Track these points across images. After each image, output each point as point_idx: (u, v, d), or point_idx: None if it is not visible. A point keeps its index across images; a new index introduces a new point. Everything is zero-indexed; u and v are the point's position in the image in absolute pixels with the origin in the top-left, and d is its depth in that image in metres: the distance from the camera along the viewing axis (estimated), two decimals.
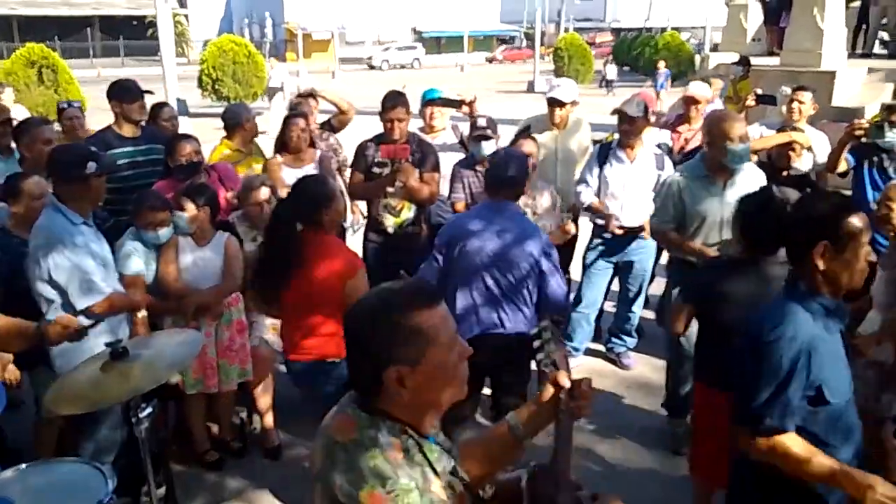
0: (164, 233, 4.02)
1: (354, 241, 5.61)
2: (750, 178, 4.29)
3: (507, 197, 3.77)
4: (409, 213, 5.06)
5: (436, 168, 5.04)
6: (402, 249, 4.99)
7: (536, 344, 1.98)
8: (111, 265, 3.66)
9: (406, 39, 61.00)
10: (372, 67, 50.42)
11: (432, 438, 1.67)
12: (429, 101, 5.59)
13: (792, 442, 2.33)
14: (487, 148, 4.95)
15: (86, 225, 3.49)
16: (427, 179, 4.97)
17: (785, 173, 5.01)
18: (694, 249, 4.28)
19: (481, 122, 5.09)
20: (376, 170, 5.02)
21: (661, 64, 24.43)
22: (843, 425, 2.41)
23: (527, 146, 4.74)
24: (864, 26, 12.83)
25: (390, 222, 5.06)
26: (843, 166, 5.13)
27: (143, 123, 4.97)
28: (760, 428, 2.35)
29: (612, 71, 30.09)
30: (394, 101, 4.92)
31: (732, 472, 2.68)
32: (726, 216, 3.92)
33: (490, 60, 54.49)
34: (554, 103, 5.49)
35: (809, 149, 5.38)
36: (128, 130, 4.78)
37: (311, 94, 6.40)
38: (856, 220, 2.28)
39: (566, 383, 1.78)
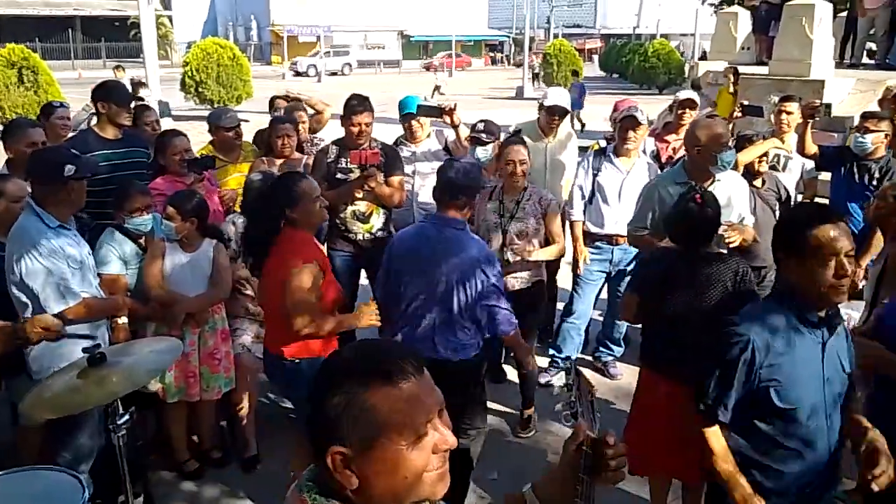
0: (148, 219, 3.97)
1: None
2: (731, 185, 4.32)
3: (455, 209, 3.57)
4: (377, 218, 4.97)
5: (401, 172, 4.98)
6: (372, 257, 4.87)
7: (556, 391, 1.82)
8: (91, 269, 3.59)
9: (393, 43, 61.07)
10: (298, 74, 45.34)
11: None
12: (409, 113, 5.43)
13: (713, 435, 2.49)
14: (483, 153, 4.94)
15: (63, 228, 3.42)
16: (393, 183, 4.89)
17: (759, 182, 5.02)
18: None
19: (479, 126, 5.05)
20: (340, 176, 4.88)
21: (575, 76, 21.31)
22: (803, 433, 2.43)
23: (516, 153, 4.63)
24: (851, 37, 12.93)
25: (360, 230, 4.96)
26: (812, 148, 5.42)
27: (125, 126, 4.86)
28: (699, 413, 2.52)
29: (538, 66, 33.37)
30: (360, 106, 4.81)
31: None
32: None
33: (427, 68, 50.55)
34: (557, 111, 5.43)
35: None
36: (109, 133, 4.67)
37: (287, 97, 6.50)
38: (820, 233, 2.27)
39: (592, 435, 1.51)
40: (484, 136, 4.98)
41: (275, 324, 3.59)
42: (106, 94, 4.66)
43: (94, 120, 5.02)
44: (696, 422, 2.55)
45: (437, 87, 28.65)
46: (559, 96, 5.56)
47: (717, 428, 2.51)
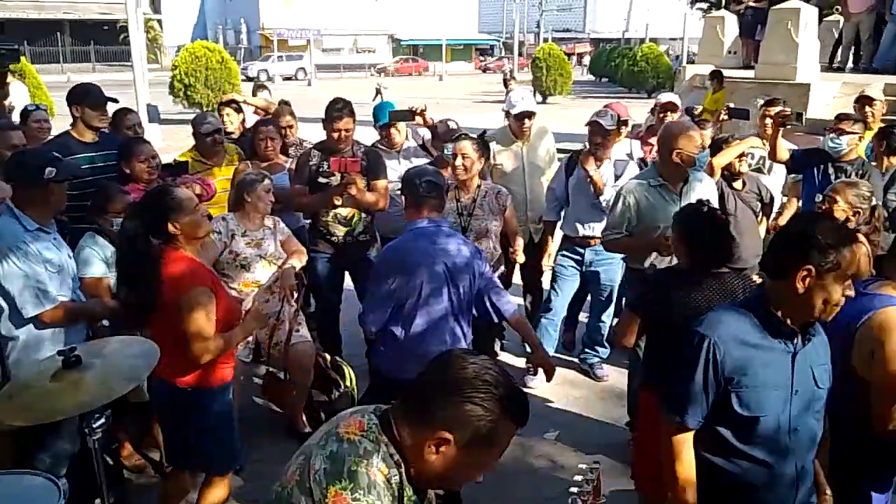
0: None
1: None
2: (705, 186, 4.37)
3: (432, 210, 3.56)
4: (360, 222, 4.97)
5: (384, 176, 4.97)
6: (353, 258, 4.95)
7: (575, 490, 1.99)
8: (70, 273, 3.55)
9: (384, 47, 61.07)
10: (249, 79, 39.16)
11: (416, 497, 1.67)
12: (384, 124, 5.51)
13: (680, 443, 2.41)
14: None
15: (42, 231, 3.39)
16: (377, 188, 4.88)
17: (740, 183, 5.03)
18: (651, 243, 4.28)
19: (452, 124, 5.07)
20: (322, 180, 4.86)
21: (513, 83, 19.26)
22: (766, 445, 2.35)
23: (459, 148, 4.65)
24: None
25: (341, 232, 4.95)
26: (784, 154, 5.40)
27: (103, 130, 4.82)
28: (664, 416, 2.44)
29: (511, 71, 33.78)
30: (340, 111, 4.79)
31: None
32: None
33: (381, 71, 50.29)
34: (525, 116, 5.46)
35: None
36: (87, 136, 4.63)
37: (233, 101, 6.56)
38: (850, 252, 2.19)
39: None
40: (464, 132, 5.05)
41: (168, 351, 2.97)
42: (80, 97, 4.62)
43: None
44: (662, 430, 2.47)
45: (378, 91, 28.69)
46: (524, 102, 5.57)
47: (686, 436, 2.41)
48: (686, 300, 3.19)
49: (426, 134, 5.55)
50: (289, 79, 44.86)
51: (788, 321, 2.30)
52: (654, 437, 3.33)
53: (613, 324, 5.57)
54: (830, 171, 5.11)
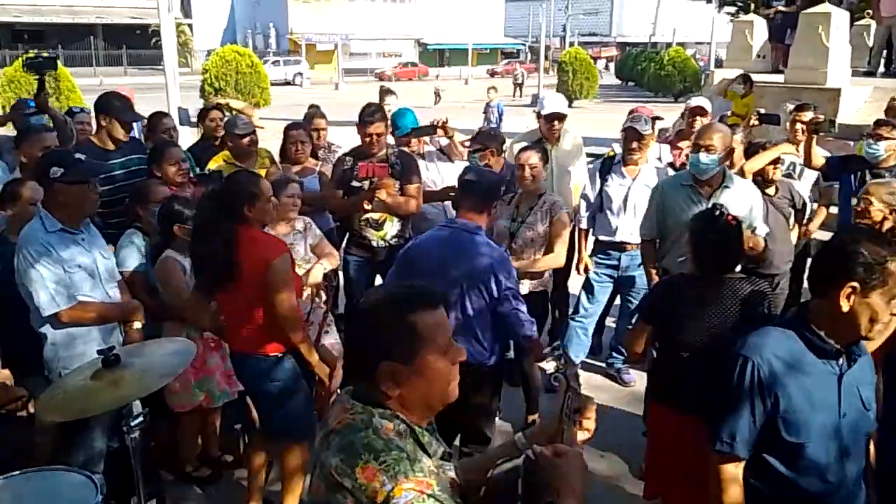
0: None
1: None
2: (737, 191, 4.32)
3: (472, 212, 3.59)
4: (392, 226, 4.98)
5: (418, 179, 5.00)
6: (386, 263, 4.89)
7: (550, 367, 1.94)
8: (105, 274, 3.61)
9: (410, 52, 61.21)
10: None
11: (425, 430, 1.71)
12: (403, 135, 5.60)
13: (728, 472, 2.30)
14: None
15: (66, 232, 3.42)
16: (409, 191, 4.91)
17: (773, 189, 5.00)
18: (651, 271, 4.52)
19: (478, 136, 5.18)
20: (355, 184, 4.91)
21: (492, 93, 18.47)
22: (815, 472, 2.25)
23: (525, 158, 4.65)
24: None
25: (373, 237, 4.99)
26: (819, 161, 5.34)
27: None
28: (713, 449, 2.33)
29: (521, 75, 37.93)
30: (372, 115, 4.82)
31: None
32: None
33: (381, 77, 49.04)
34: (555, 118, 5.46)
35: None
36: (109, 145, 4.69)
37: (218, 106, 6.62)
38: (894, 267, 2.10)
39: (576, 387, 1.81)
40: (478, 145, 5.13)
41: (248, 321, 3.41)
42: (108, 108, 4.66)
43: None
44: (709, 459, 2.35)
45: (437, 94, 29.74)
46: (554, 103, 5.58)
47: (735, 465, 2.30)
48: (695, 305, 3.18)
49: (442, 140, 5.67)
50: (287, 83, 43.51)
51: (833, 341, 2.21)
52: (662, 451, 3.38)
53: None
54: (868, 177, 5.03)
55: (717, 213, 3.26)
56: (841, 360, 2.23)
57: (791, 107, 6.16)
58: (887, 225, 3.88)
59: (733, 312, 3.11)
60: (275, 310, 3.30)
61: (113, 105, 4.66)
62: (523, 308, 3.58)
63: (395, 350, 1.62)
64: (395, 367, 1.62)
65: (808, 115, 5.79)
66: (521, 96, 36.14)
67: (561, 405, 1.76)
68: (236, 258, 3.28)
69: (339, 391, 4.68)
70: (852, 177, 5.17)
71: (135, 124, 5.36)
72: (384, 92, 7.45)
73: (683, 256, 4.09)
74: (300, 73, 46.95)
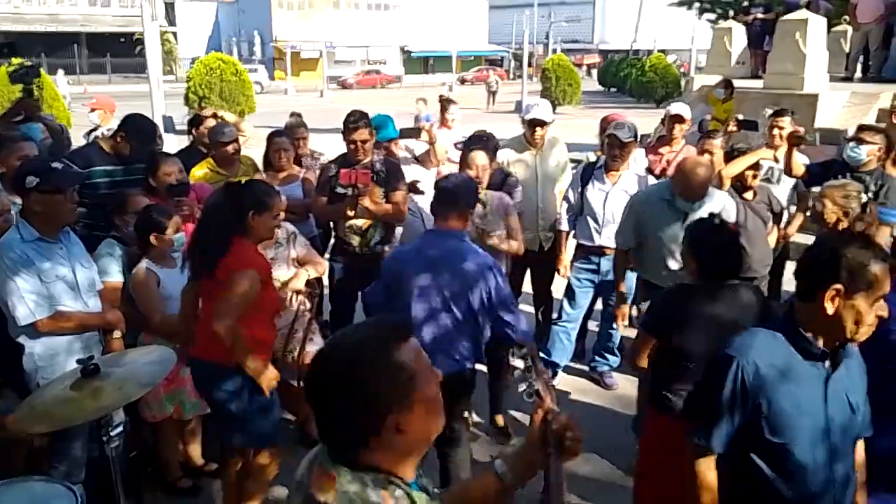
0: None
1: None
2: (715, 202, 4.37)
3: (456, 219, 3.57)
4: (376, 232, 4.99)
5: (403, 186, 5.01)
6: (370, 270, 4.92)
7: (517, 374, 1.86)
8: (84, 283, 3.57)
9: (395, 59, 61.29)
10: None
11: (415, 484, 1.55)
12: (390, 139, 5.67)
13: (703, 466, 2.33)
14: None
15: (43, 241, 3.38)
16: (395, 199, 4.91)
17: (751, 194, 5.04)
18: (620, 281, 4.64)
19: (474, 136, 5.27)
20: (339, 190, 4.89)
21: (421, 105, 18.59)
22: (800, 475, 2.25)
23: (479, 157, 4.63)
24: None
25: (356, 242, 4.99)
26: (800, 169, 5.38)
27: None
28: (692, 442, 2.36)
29: (495, 83, 36.02)
30: (356, 122, 4.81)
31: None
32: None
33: (343, 85, 50.10)
34: (537, 123, 5.50)
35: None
36: (113, 150, 4.71)
37: (214, 115, 6.59)
38: (881, 271, 2.11)
39: (554, 409, 1.70)
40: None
41: (209, 328, 3.33)
42: (131, 130, 4.69)
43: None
44: (686, 453, 2.37)
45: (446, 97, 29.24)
46: (538, 109, 5.60)
47: (709, 459, 2.33)
48: (702, 314, 3.15)
49: (416, 148, 5.84)
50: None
51: (819, 343, 2.22)
52: (656, 456, 3.31)
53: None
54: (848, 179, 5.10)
55: (718, 221, 3.27)
56: (827, 363, 2.25)
57: (769, 112, 6.20)
58: (841, 227, 3.92)
59: (739, 318, 3.04)
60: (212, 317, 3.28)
61: (136, 129, 4.74)
62: (517, 311, 3.64)
63: (395, 397, 1.43)
64: (399, 417, 1.43)
65: (785, 121, 5.83)
66: (493, 104, 34.49)
67: (544, 433, 1.68)
68: (219, 257, 3.31)
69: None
70: (834, 181, 5.18)
71: None
72: (445, 101, 7.19)
73: (679, 267, 4.12)
74: (259, 83, 45.83)
